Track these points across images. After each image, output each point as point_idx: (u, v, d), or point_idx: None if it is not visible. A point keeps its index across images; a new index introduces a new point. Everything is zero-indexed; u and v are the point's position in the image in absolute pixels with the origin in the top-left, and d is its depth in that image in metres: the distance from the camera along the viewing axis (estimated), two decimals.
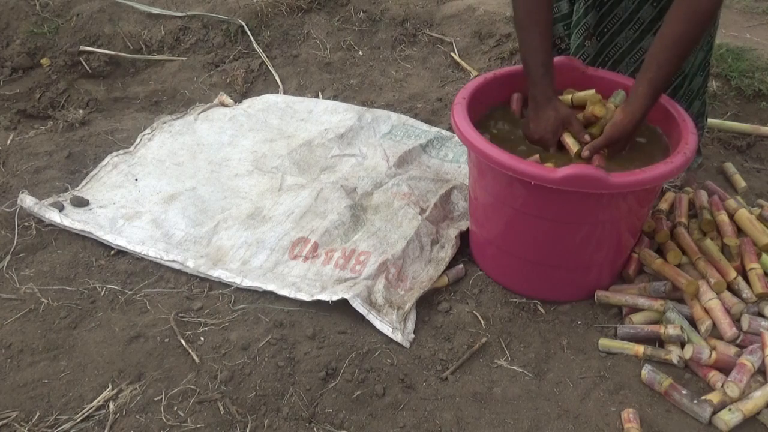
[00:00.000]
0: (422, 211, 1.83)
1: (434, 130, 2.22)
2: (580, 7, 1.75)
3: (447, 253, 1.73)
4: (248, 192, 1.99)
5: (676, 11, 1.43)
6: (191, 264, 1.70)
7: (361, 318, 1.54)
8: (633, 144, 1.58)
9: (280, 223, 1.82)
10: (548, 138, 1.58)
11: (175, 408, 1.37)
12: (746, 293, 1.55)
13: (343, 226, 1.78)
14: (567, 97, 1.68)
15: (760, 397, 1.35)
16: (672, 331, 1.47)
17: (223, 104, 2.45)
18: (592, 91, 1.64)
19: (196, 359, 1.46)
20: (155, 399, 1.38)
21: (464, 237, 1.80)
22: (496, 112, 1.72)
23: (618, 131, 1.50)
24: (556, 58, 1.73)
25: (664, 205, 1.80)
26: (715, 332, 1.50)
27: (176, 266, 1.71)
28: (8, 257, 1.74)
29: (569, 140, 1.56)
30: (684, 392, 1.37)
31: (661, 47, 1.45)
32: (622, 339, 1.52)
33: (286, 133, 2.26)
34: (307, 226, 1.80)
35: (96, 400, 1.37)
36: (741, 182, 1.99)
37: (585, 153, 1.51)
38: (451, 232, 1.79)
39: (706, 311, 1.52)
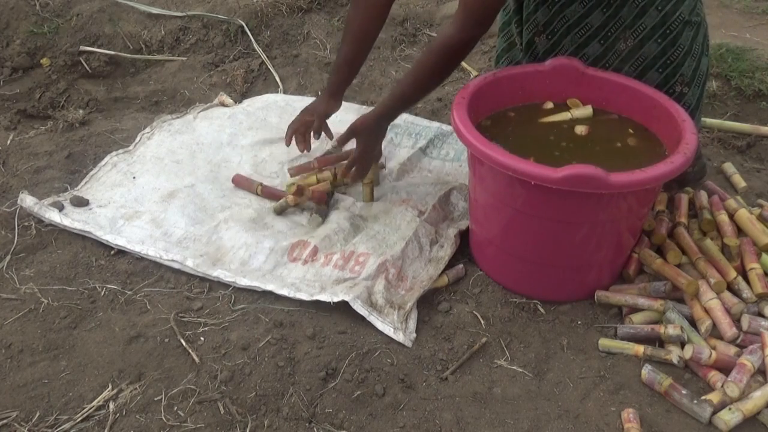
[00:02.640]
0: (420, 213, 1.83)
1: (435, 125, 2.22)
2: (530, 3, 1.74)
3: (446, 252, 1.73)
4: (248, 194, 1.98)
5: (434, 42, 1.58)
6: (190, 263, 1.70)
7: (361, 318, 1.54)
8: None
9: (280, 231, 1.82)
10: (300, 123, 1.93)
11: (175, 408, 1.37)
12: (746, 293, 1.55)
13: (342, 233, 1.78)
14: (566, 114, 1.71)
15: (760, 397, 1.35)
16: (672, 331, 1.47)
17: (223, 104, 2.45)
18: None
19: (196, 359, 1.46)
20: (155, 399, 1.38)
21: (464, 237, 1.80)
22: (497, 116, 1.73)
23: (356, 124, 1.70)
24: (556, 59, 1.73)
25: (660, 206, 1.80)
26: (715, 332, 1.50)
27: (176, 266, 1.70)
28: (8, 257, 1.74)
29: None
30: (684, 392, 1.37)
31: (418, 64, 1.61)
32: (622, 339, 1.52)
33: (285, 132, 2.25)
34: (308, 232, 1.81)
35: (96, 400, 1.38)
36: (741, 182, 1.99)
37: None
38: (451, 232, 1.79)
39: (706, 311, 1.52)
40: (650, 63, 1.68)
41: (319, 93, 2.55)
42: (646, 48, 1.66)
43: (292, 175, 2.00)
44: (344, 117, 2.28)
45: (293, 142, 1.96)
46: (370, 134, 1.71)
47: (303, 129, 1.92)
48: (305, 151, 1.98)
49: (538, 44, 1.77)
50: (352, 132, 1.70)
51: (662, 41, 1.64)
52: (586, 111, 1.71)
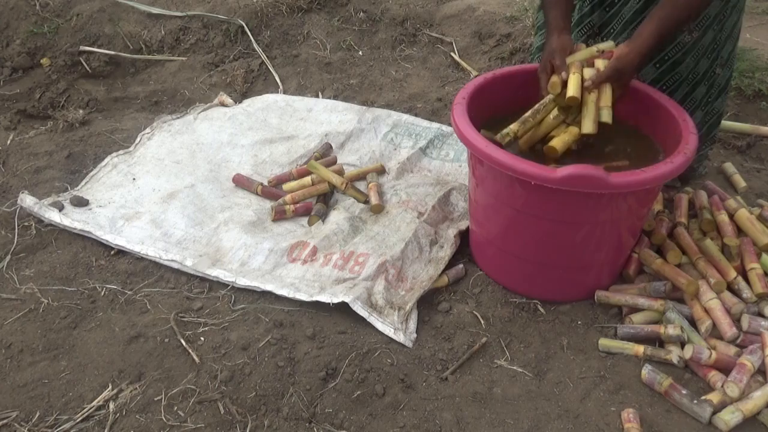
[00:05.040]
0: (420, 214, 1.83)
1: (435, 126, 2.22)
2: (584, 5, 1.73)
3: (446, 252, 1.73)
4: (248, 194, 1.98)
5: None
6: (189, 263, 1.70)
7: (361, 318, 1.54)
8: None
9: (279, 233, 1.82)
10: (546, 66, 1.60)
11: (175, 408, 1.37)
12: (746, 293, 1.55)
13: (342, 233, 1.78)
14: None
15: (760, 397, 1.35)
16: (672, 331, 1.47)
17: (223, 104, 2.45)
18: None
19: (196, 359, 1.46)
20: (155, 399, 1.38)
21: (464, 237, 1.80)
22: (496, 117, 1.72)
23: (622, 63, 1.51)
24: None
25: (658, 206, 1.80)
26: (715, 332, 1.50)
27: (175, 265, 1.71)
28: (8, 257, 1.74)
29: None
30: (684, 392, 1.37)
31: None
32: (622, 339, 1.52)
33: (285, 132, 2.26)
34: (307, 233, 1.81)
35: (96, 400, 1.38)
36: (741, 182, 1.99)
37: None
38: (450, 232, 1.79)
39: (706, 311, 1.52)
40: (704, 50, 1.69)
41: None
42: (706, 37, 1.67)
43: (270, 183, 2.00)
44: (344, 117, 2.29)
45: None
46: (633, 72, 1.56)
47: (551, 70, 1.64)
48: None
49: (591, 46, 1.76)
50: (615, 71, 1.52)
51: (717, 28, 1.66)
52: (609, 43, 1.65)
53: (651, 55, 1.54)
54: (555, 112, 1.58)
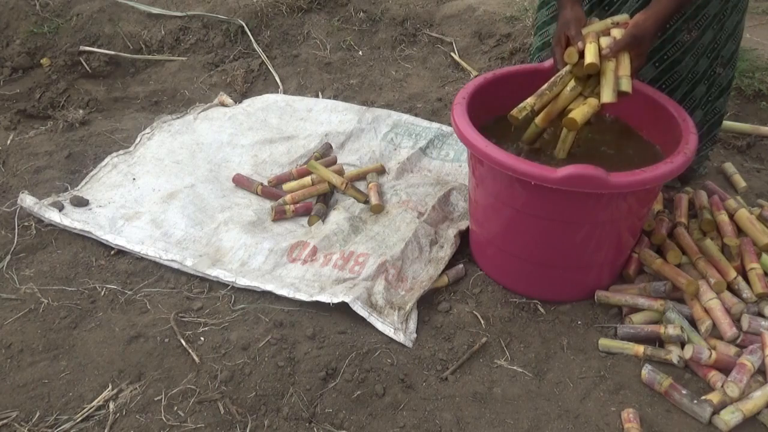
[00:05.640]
0: (420, 214, 1.83)
1: (435, 126, 2.23)
2: (584, 4, 1.73)
3: (446, 252, 1.73)
4: (248, 194, 1.99)
5: None
6: (189, 263, 1.70)
7: (361, 318, 1.54)
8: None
9: (279, 233, 1.82)
10: (560, 38, 1.56)
11: (175, 408, 1.37)
12: (746, 293, 1.55)
13: (342, 233, 1.78)
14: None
15: (760, 397, 1.35)
16: (672, 331, 1.47)
17: (223, 104, 2.45)
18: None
19: (196, 359, 1.46)
20: (155, 399, 1.38)
21: (464, 237, 1.80)
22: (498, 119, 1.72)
23: (640, 30, 1.48)
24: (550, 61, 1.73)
25: (658, 206, 1.80)
26: (715, 332, 1.50)
27: (175, 265, 1.71)
28: (8, 257, 1.74)
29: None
30: (684, 392, 1.37)
31: None
32: (622, 339, 1.52)
33: (285, 132, 2.26)
34: (307, 233, 1.81)
35: (96, 400, 1.38)
36: (741, 182, 1.99)
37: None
38: (450, 232, 1.79)
39: (706, 311, 1.52)
40: (704, 50, 1.69)
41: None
42: (705, 36, 1.67)
43: (270, 183, 2.00)
44: (344, 117, 2.29)
45: None
46: (650, 39, 1.52)
47: (566, 42, 1.61)
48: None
49: None
50: (633, 38, 1.49)
51: (716, 27, 1.66)
52: (624, 16, 1.62)
53: (667, 20, 1.50)
54: (572, 84, 1.52)
